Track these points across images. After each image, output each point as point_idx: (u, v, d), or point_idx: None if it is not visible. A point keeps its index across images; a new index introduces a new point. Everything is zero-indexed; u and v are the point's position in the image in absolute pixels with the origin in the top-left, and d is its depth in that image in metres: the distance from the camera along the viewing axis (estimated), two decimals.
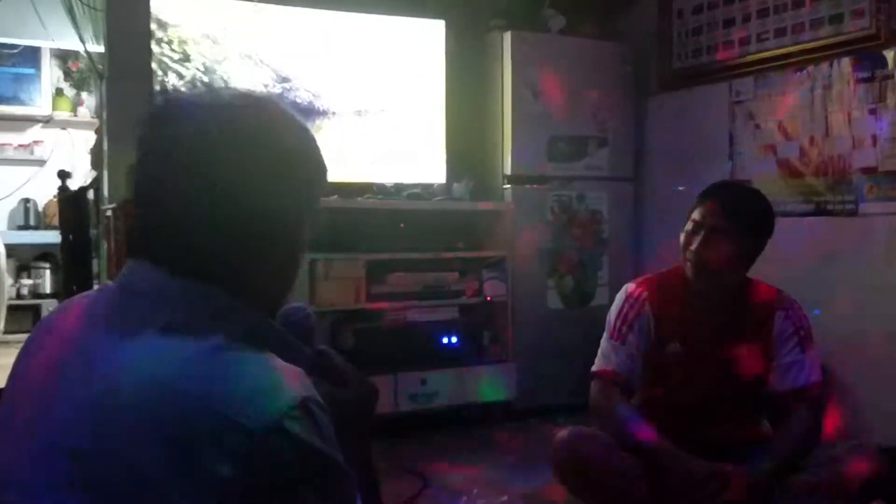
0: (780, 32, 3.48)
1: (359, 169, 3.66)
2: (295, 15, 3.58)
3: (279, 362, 0.83)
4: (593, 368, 2.18)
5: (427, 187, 3.85)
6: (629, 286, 2.22)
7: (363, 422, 1.06)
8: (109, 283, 0.93)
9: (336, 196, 3.43)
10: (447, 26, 3.83)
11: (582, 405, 2.26)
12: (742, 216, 2.04)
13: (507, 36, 3.83)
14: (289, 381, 0.81)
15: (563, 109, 3.91)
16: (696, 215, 2.08)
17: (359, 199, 3.59)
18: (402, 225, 3.66)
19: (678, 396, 2.12)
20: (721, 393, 2.10)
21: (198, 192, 0.86)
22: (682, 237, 2.11)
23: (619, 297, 2.21)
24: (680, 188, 3.94)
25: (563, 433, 2.12)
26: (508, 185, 3.85)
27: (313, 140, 0.97)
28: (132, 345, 0.82)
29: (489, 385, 3.69)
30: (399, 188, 3.79)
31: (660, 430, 2.03)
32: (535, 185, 3.89)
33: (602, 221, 4.04)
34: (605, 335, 2.19)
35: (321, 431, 0.81)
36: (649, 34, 4.11)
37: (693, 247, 2.05)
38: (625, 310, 2.16)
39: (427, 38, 3.82)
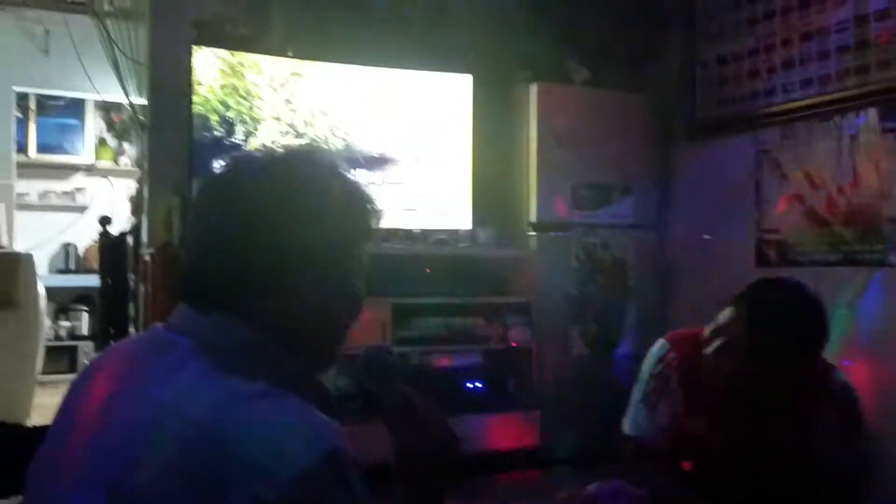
0: (805, 84, 3.48)
1: (387, 215, 3.73)
2: (330, 70, 3.69)
3: (314, 412, 0.85)
4: (624, 429, 2.07)
5: (453, 233, 3.89)
6: (663, 345, 2.06)
7: (437, 472, 1.05)
8: (158, 324, 0.97)
9: None
10: (475, 80, 3.92)
11: (608, 453, 2.20)
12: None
13: (533, 88, 3.91)
14: (322, 432, 0.82)
15: (587, 158, 3.96)
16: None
17: (385, 244, 3.65)
18: (427, 270, 3.72)
19: (706, 476, 1.95)
20: (755, 479, 1.90)
21: (241, 236, 0.91)
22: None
23: (653, 354, 2.06)
24: (706, 237, 3.95)
25: (591, 488, 2.02)
26: (533, 232, 3.89)
27: (358, 189, 1.02)
28: (172, 384, 0.85)
29: (514, 432, 3.68)
30: (426, 234, 3.85)
31: None
32: (559, 233, 3.92)
33: (627, 268, 4.04)
34: (636, 392, 2.06)
35: (349, 486, 0.81)
36: (674, 85, 4.15)
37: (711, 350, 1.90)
38: (656, 373, 2.02)
39: (455, 91, 3.91)
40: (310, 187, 0.95)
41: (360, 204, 1.01)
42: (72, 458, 0.88)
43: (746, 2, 3.76)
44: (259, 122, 3.52)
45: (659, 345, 2.08)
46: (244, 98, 3.50)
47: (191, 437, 0.79)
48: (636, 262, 4.07)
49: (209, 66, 3.44)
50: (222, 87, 3.46)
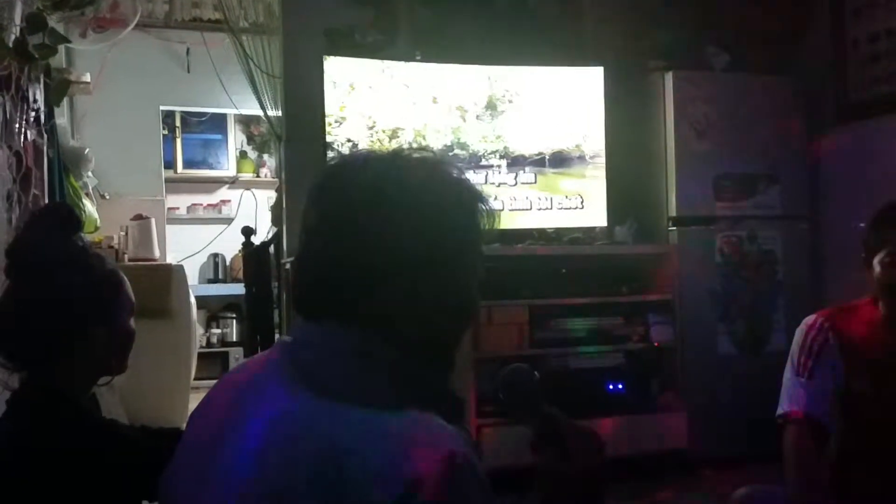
0: None
1: (518, 215, 3.70)
2: (459, 72, 3.70)
3: (432, 419, 0.85)
4: (780, 410, 1.90)
5: (588, 231, 3.82)
6: (809, 318, 1.95)
7: (585, 498, 1.02)
8: (286, 339, 0.98)
9: (497, 243, 3.48)
10: (605, 72, 3.83)
11: (760, 455, 2.11)
12: None
13: (669, 76, 3.78)
14: (439, 438, 0.82)
15: (729, 147, 3.80)
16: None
17: (519, 245, 3.61)
18: (563, 270, 3.65)
19: (872, 449, 1.84)
20: None
21: (362, 247, 0.90)
22: (877, 269, 1.87)
23: (800, 329, 1.94)
24: (861, 225, 3.69)
25: (742, 492, 1.93)
26: (674, 227, 3.77)
27: (472, 190, 0.98)
28: (299, 400, 0.86)
29: (660, 434, 3.57)
30: (560, 233, 3.78)
31: (857, 495, 1.82)
32: (701, 226, 3.79)
33: (776, 262, 3.85)
34: (788, 372, 1.92)
35: (468, 491, 0.81)
36: (822, 66, 3.94)
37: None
38: (808, 342, 1.89)
39: (586, 84, 3.83)
40: (431, 194, 0.93)
41: (475, 206, 0.98)
42: (204, 470, 0.91)
43: None
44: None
45: (803, 321, 1.96)
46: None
47: (317, 453, 0.81)
48: (785, 254, 3.88)
49: (340, 75, 3.50)
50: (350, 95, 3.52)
